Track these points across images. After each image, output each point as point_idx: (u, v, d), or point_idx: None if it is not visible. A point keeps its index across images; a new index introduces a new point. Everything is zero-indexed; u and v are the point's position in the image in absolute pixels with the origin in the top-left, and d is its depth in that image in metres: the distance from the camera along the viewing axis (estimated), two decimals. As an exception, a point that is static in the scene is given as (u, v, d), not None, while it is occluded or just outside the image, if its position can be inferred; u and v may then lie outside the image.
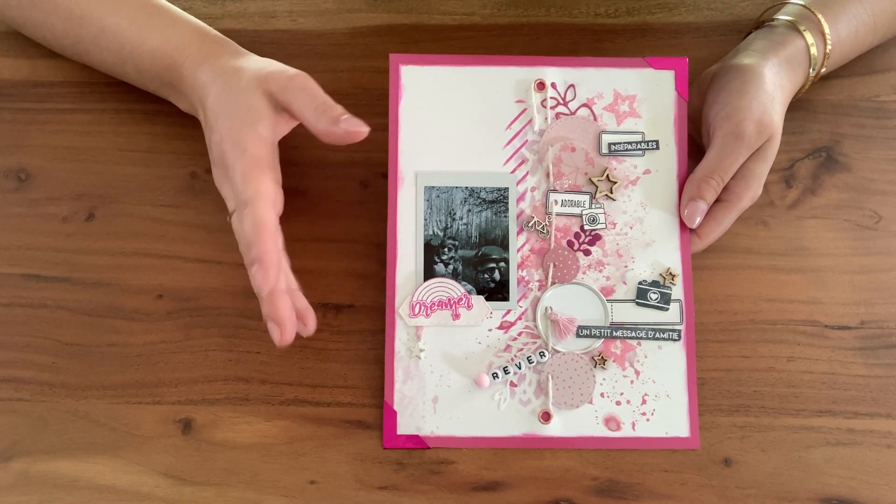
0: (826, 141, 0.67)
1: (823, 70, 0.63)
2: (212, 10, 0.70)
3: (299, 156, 0.64)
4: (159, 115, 0.65)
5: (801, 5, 0.63)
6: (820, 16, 0.62)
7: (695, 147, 0.63)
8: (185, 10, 0.69)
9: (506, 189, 0.61)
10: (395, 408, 0.59)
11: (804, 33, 0.61)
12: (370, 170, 0.64)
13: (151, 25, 0.60)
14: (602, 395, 0.60)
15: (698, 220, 0.60)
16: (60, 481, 0.58)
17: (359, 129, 0.55)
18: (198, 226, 0.64)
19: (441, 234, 0.61)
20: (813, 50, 0.61)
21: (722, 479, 0.59)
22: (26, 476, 0.59)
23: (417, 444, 0.59)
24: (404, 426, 0.59)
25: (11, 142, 0.66)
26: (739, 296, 0.63)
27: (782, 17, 0.63)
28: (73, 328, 0.62)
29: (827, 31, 0.62)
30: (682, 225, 0.61)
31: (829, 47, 0.62)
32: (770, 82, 0.60)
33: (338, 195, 0.64)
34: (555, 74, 0.62)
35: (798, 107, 0.66)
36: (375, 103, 0.65)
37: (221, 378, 0.61)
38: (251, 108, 0.56)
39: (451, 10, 0.70)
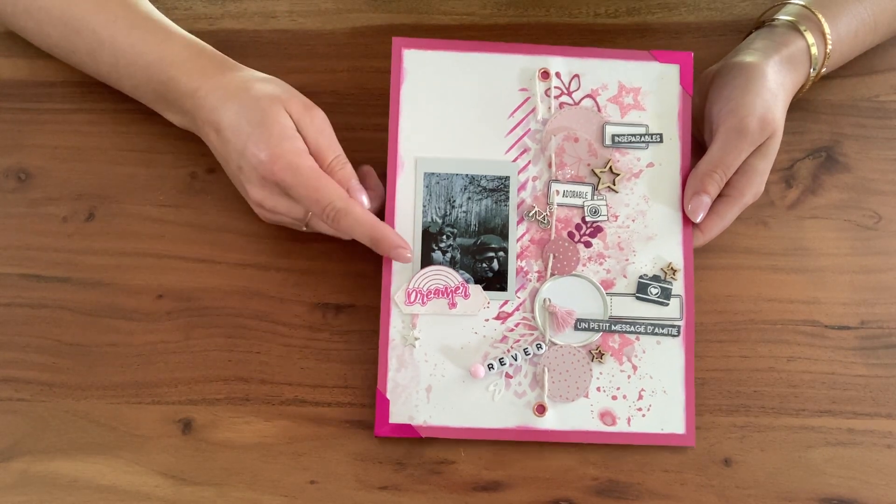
0: (826, 141, 0.67)
1: (824, 70, 0.63)
2: (212, 10, 0.70)
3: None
4: (159, 115, 0.64)
5: (802, 5, 0.63)
6: (820, 16, 0.62)
7: (697, 145, 0.63)
8: (185, 10, 0.69)
9: (507, 178, 0.61)
10: (388, 396, 0.59)
11: (805, 33, 0.61)
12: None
13: (146, 40, 0.60)
14: (598, 389, 0.59)
15: (702, 214, 0.60)
16: (60, 481, 0.58)
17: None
18: (198, 226, 0.64)
19: (440, 221, 0.60)
20: (814, 50, 0.61)
21: (722, 479, 0.59)
22: (26, 476, 0.59)
23: (409, 433, 0.58)
24: (396, 414, 0.59)
25: (11, 142, 0.66)
26: (739, 296, 0.63)
27: (783, 17, 0.63)
28: (73, 328, 0.62)
29: (827, 31, 0.62)
30: (685, 220, 0.61)
31: (829, 47, 0.62)
32: (772, 80, 0.60)
33: (338, 195, 0.64)
34: (559, 64, 0.62)
35: (798, 107, 0.66)
36: (375, 103, 0.65)
37: (221, 378, 0.61)
38: (283, 125, 0.56)
39: (451, 9, 0.70)
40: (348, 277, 0.62)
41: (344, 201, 0.56)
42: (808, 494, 0.59)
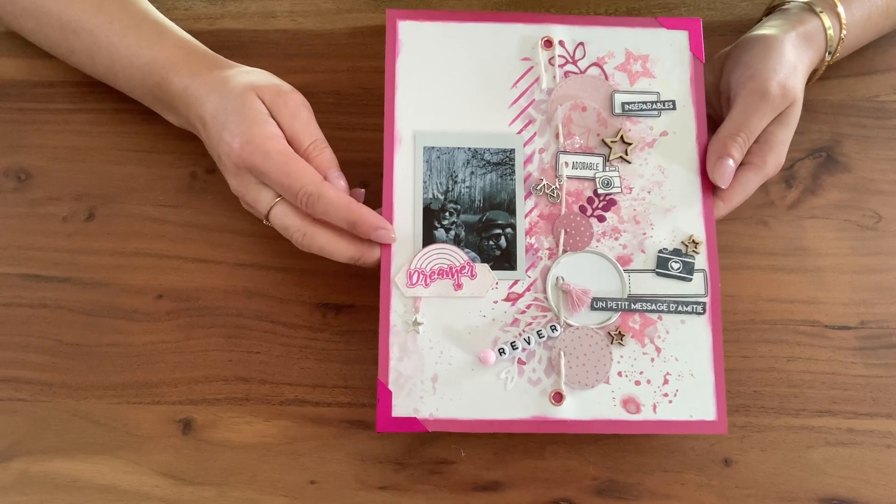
0: (826, 141, 0.67)
1: (838, 55, 0.63)
2: (212, 10, 0.70)
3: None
4: (159, 115, 0.64)
5: None
6: None
7: (709, 120, 0.61)
8: (185, 10, 0.69)
9: (512, 150, 0.58)
10: (391, 387, 0.55)
11: (821, 14, 0.61)
12: (370, 169, 0.64)
13: (140, 42, 0.60)
14: (620, 374, 0.55)
15: (728, 179, 0.57)
16: (60, 481, 0.58)
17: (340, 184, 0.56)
18: (198, 226, 0.64)
19: (442, 197, 0.57)
20: (830, 31, 0.61)
21: (722, 479, 0.59)
22: (26, 476, 0.59)
23: (415, 427, 0.54)
24: (400, 407, 0.54)
25: (11, 142, 0.66)
26: (739, 296, 0.63)
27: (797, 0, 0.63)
28: (73, 328, 0.62)
29: (842, 12, 0.61)
30: (706, 189, 0.58)
31: (844, 32, 0.62)
32: (791, 52, 0.59)
33: (338, 195, 0.64)
34: (562, 32, 0.60)
35: (798, 107, 0.66)
36: (376, 103, 0.65)
37: (221, 378, 0.61)
38: (256, 110, 0.56)
39: (451, 9, 0.70)
40: (348, 277, 0.62)
41: (316, 185, 0.54)
42: (808, 494, 0.59)
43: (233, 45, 0.68)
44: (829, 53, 0.62)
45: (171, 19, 0.63)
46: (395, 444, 0.60)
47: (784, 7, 0.64)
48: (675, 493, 0.59)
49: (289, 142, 0.56)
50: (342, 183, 0.57)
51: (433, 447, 0.60)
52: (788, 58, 0.59)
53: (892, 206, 0.65)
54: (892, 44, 0.69)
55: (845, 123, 0.67)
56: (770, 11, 0.65)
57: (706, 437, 0.60)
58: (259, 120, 0.55)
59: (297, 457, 0.59)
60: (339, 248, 0.56)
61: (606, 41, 0.60)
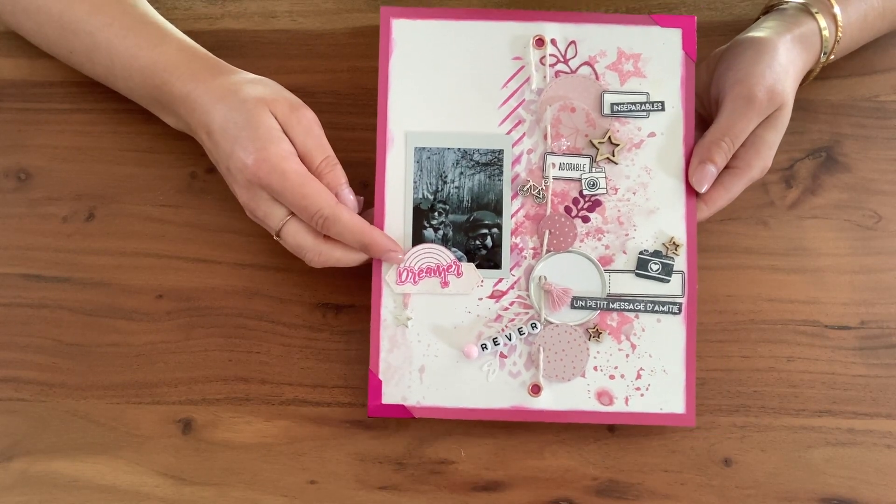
0: (826, 141, 0.67)
1: (832, 57, 0.63)
2: (212, 10, 0.70)
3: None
4: (159, 115, 0.65)
5: None
6: None
7: (703, 121, 0.61)
8: (185, 10, 0.69)
9: (500, 151, 0.59)
10: (381, 377, 0.58)
11: (816, 16, 0.61)
12: (369, 169, 0.64)
13: (141, 44, 0.60)
14: (595, 368, 0.58)
15: (707, 185, 0.58)
16: (60, 481, 0.58)
17: (349, 200, 0.57)
18: (198, 226, 0.64)
19: (431, 197, 0.59)
20: (825, 33, 0.61)
21: (722, 479, 0.59)
22: (26, 476, 0.59)
23: (402, 413, 0.58)
24: (389, 395, 0.58)
25: (11, 142, 0.66)
26: (739, 296, 0.63)
27: (793, 0, 0.63)
28: (73, 328, 0.62)
29: (838, 14, 0.61)
30: (689, 192, 0.59)
31: (840, 34, 0.62)
32: (783, 55, 0.59)
33: (338, 195, 0.64)
34: (555, 30, 0.60)
35: (798, 107, 0.66)
36: (375, 104, 0.65)
37: (221, 378, 0.61)
38: (269, 126, 0.56)
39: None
40: (348, 277, 0.62)
41: (332, 208, 0.55)
42: (808, 494, 0.59)
43: (233, 45, 0.68)
44: (825, 55, 0.62)
45: (171, 19, 0.63)
46: (395, 444, 0.60)
47: (781, 7, 0.64)
48: (675, 493, 0.59)
49: (301, 158, 0.56)
50: (352, 198, 0.58)
51: (433, 447, 0.60)
52: (780, 61, 0.59)
53: (892, 206, 0.65)
54: (892, 44, 0.69)
55: (845, 123, 0.67)
56: (767, 11, 0.65)
57: (706, 438, 0.60)
58: (273, 137, 0.55)
59: (297, 457, 0.59)
60: (354, 257, 0.58)
61: (599, 39, 0.60)
